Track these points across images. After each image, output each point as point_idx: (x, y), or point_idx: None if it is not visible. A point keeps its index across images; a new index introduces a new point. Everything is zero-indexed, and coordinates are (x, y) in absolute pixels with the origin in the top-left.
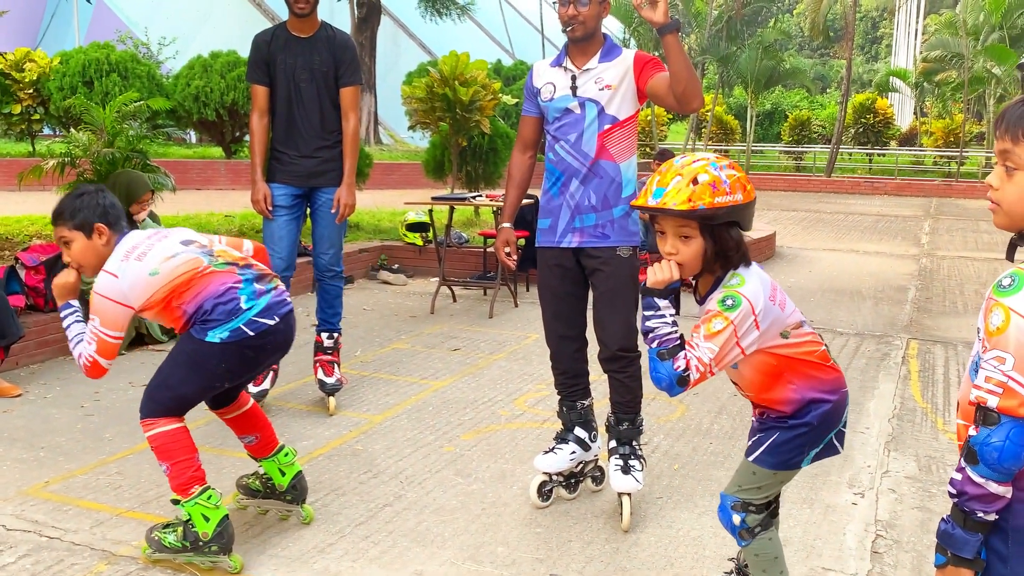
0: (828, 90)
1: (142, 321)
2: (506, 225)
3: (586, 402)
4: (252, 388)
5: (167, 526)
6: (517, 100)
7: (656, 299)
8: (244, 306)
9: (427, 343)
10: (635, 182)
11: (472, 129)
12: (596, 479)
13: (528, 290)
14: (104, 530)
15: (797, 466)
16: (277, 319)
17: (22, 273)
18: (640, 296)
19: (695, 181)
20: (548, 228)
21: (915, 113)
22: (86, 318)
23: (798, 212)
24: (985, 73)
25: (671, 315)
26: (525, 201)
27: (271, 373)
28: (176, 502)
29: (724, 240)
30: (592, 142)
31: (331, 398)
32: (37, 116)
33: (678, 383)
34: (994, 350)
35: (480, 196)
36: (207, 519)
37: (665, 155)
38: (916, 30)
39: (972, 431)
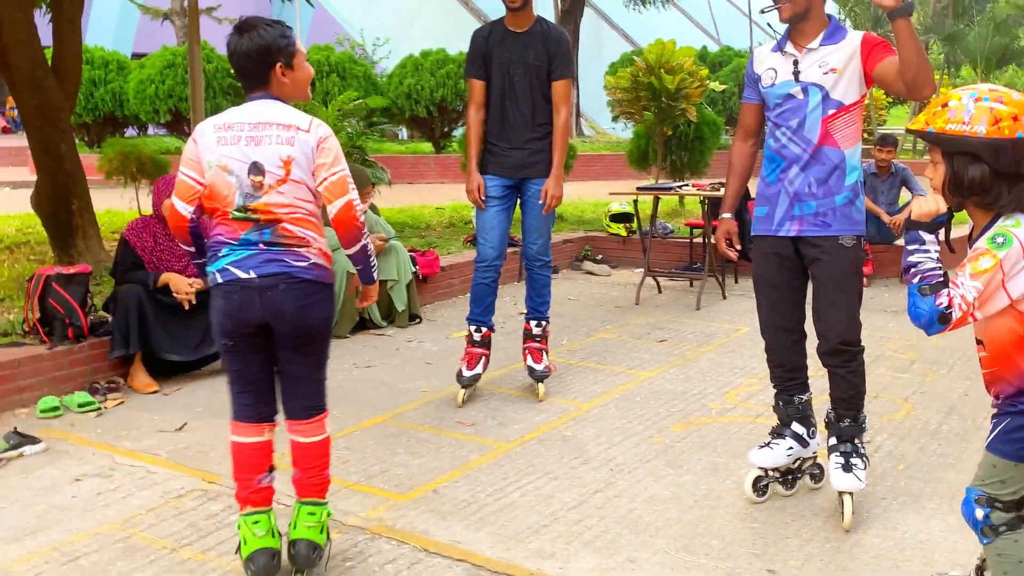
0: None
1: (368, 308)
2: (727, 215)
3: (804, 397)
4: (466, 372)
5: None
6: (725, 87)
7: (921, 232)
8: (222, 253)
9: (633, 333)
10: (860, 169)
11: (678, 118)
12: (815, 476)
13: (736, 282)
14: (334, 501)
15: None
16: (253, 273)
17: None
18: (905, 229)
19: (945, 104)
20: (765, 216)
21: None
22: None
23: None
24: None
25: (935, 251)
26: None
27: (483, 359)
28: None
29: (959, 171)
30: (816, 128)
31: (540, 384)
32: None
33: (939, 320)
34: None
35: (686, 186)
36: (246, 542)
37: (887, 140)
38: None
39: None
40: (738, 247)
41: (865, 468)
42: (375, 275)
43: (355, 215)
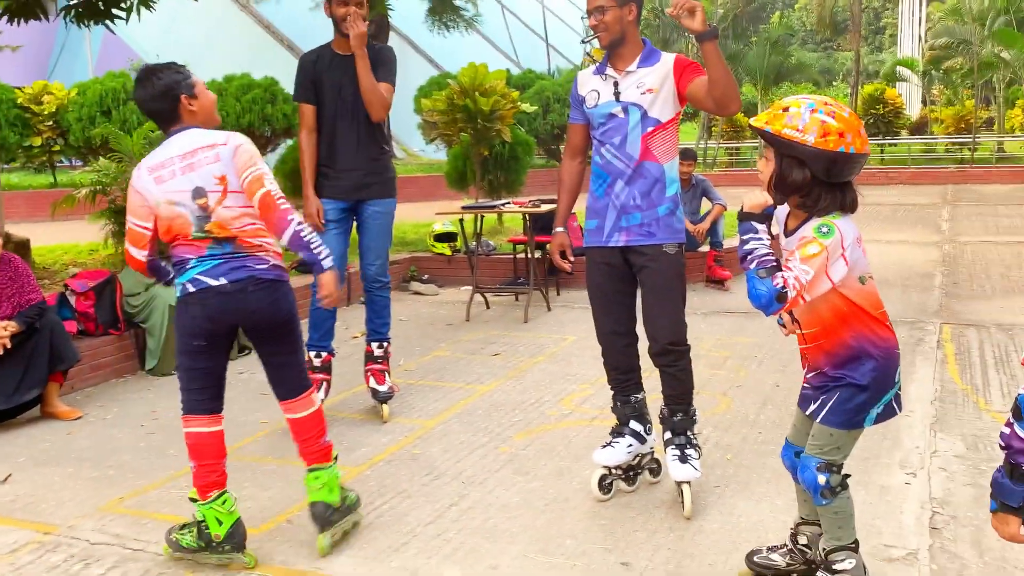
0: (835, 83)
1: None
2: (560, 229)
3: (639, 396)
4: None
5: (184, 527)
6: (535, 108)
7: (754, 223)
8: (190, 265)
9: (467, 349)
10: (677, 181)
11: (493, 138)
12: (653, 471)
13: (559, 294)
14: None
15: (861, 425)
16: (223, 280)
17: (72, 299)
18: (739, 221)
19: (784, 109)
20: (595, 228)
21: (923, 101)
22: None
23: None
24: (994, 58)
25: (767, 239)
26: (550, 207)
27: (324, 384)
28: (194, 500)
29: (785, 171)
30: (636, 144)
31: (384, 406)
32: (57, 148)
33: (777, 299)
34: None
35: (508, 203)
36: (220, 523)
37: (687, 154)
38: (920, 18)
39: (1021, 389)
40: (571, 259)
41: (699, 458)
42: (324, 262)
43: (275, 201)
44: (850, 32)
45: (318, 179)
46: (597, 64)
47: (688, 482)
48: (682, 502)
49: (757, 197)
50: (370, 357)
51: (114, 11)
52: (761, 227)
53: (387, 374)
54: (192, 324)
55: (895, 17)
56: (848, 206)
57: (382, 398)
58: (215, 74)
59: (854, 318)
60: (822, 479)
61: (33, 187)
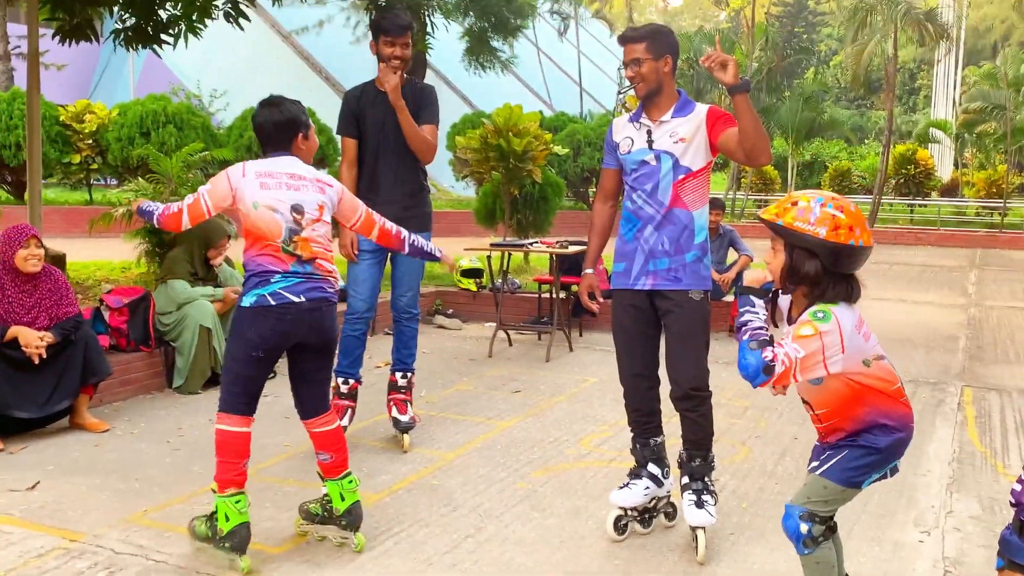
0: (866, 141)
1: (217, 361)
2: (589, 271)
3: (659, 439)
4: None
5: (202, 517)
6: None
7: (752, 296)
8: (273, 280)
9: (489, 385)
10: (706, 229)
11: (524, 178)
12: (669, 515)
13: (581, 335)
14: (208, 555)
15: (859, 486)
16: (303, 298)
17: (106, 315)
18: (738, 295)
19: (794, 203)
20: (623, 271)
21: (955, 164)
22: None
23: None
24: None
25: (764, 314)
26: (577, 248)
27: (349, 411)
28: (213, 491)
29: (796, 262)
30: (667, 191)
31: (405, 435)
32: (95, 166)
33: (764, 371)
34: None
35: (536, 243)
36: (228, 519)
37: (715, 203)
38: (955, 81)
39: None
40: (600, 300)
41: (716, 504)
42: (437, 253)
43: (389, 231)
44: (884, 91)
45: None
46: (632, 112)
47: (703, 528)
48: (696, 547)
49: (757, 273)
50: (393, 387)
51: (162, 36)
52: (759, 302)
53: (409, 404)
54: (262, 335)
55: (930, 79)
56: (853, 297)
57: (403, 428)
58: (253, 101)
59: (866, 397)
60: (804, 528)
61: (69, 203)
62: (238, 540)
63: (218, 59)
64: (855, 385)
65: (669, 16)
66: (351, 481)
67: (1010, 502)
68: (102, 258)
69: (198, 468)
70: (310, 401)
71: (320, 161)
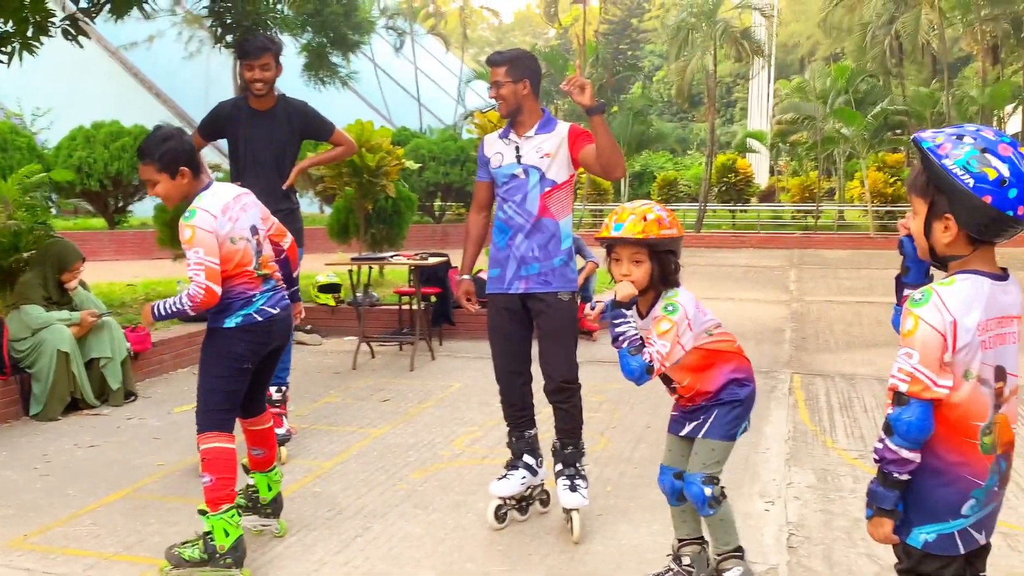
0: (690, 151)
1: (77, 386)
2: (465, 277)
3: (532, 431)
4: None
5: (185, 543)
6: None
7: (623, 309)
8: (255, 299)
9: (356, 396)
10: (571, 235)
11: (378, 193)
12: (543, 501)
13: (441, 344)
14: (98, 571)
15: (734, 438)
16: (279, 309)
17: None
18: (610, 308)
19: (644, 218)
20: (497, 277)
21: (771, 171)
22: None
23: None
24: (835, 133)
25: (634, 322)
26: (436, 260)
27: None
28: (203, 513)
29: (666, 264)
30: (535, 202)
31: (282, 448)
32: None
33: (647, 372)
34: (905, 347)
35: (397, 256)
36: (227, 534)
37: None
38: (768, 94)
39: (888, 409)
40: (476, 304)
41: (587, 488)
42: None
43: (292, 239)
44: (705, 105)
45: None
46: (502, 129)
47: (577, 509)
48: (571, 528)
49: (625, 289)
50: (269, 401)
51: None
52: (629, 312)
53: (285, 417)
54: (252, 348)
55: (746, 92)
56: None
57: (280, 440)
58: (82, 120)
59: (717, 359)
60: (708, 491)
61: None
62: (240, 553)
63: (39, 75)
64: (706, 351)
65: (501, 32)
66: (277, 473)
67: (874, 459)
68: None
69: (72, 491)
70: (259, 401)
71: None
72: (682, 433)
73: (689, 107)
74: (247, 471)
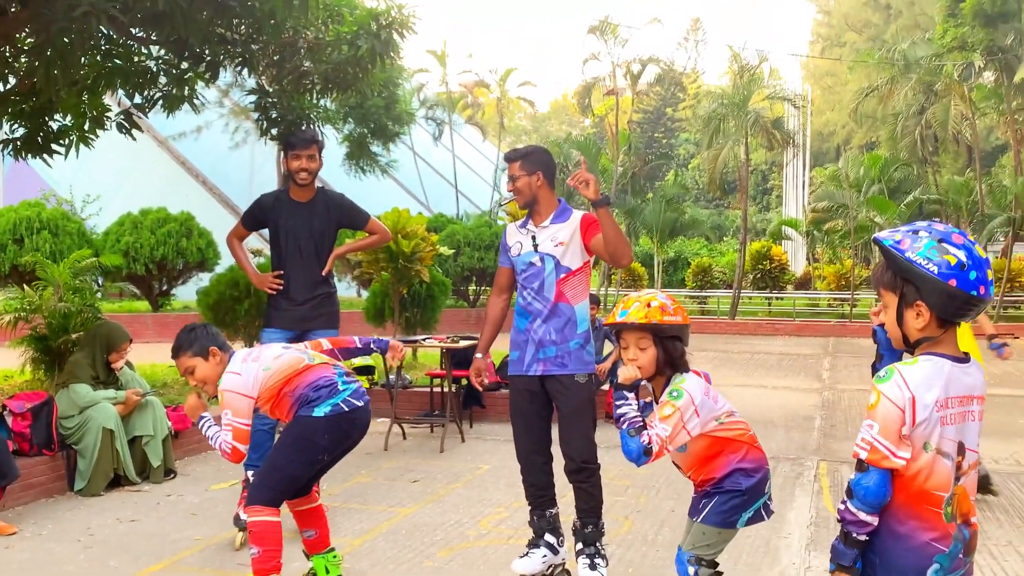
0: (725, 238)
1: (120, 462)
2: (479, 356)
3: (553, 511)
4: (243, 515)
5: None
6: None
7: (625, 391)
8: (340, 388)
9: (387, 476)
10: (588, 320)
11: (413, 278)
12: None
13: (471, 427)
14: None
15: (734, 526)
16: (362, 403)
17: (8, 419)
18: (613, 390)
19: (648, 305)
20: (517, 359)
21: (807, 259)
22: None
23: (707, 352)
24: (868, 222)
25: (635, 404)
26: (467, 343)
27: None
28: None
29: (670, 349)
30: (552, 288)
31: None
32: None
33: (644, 453)
34: (868, 419)
35: (429, 339)
36: None
37: (593, 299)
38: (803, 182)
39: (851, 475)
40: (487, 382)
41: (607, 567)
42: (374, 344)
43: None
44: (738, 192)
45: (268, 311)
46: (521, 220)
47: None
48: None
49: (629, 372)
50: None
51: (52, 146)
52: (630, 395)
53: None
54: (336, 440)
55: (780, 180)
56: (686, 362)
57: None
58: (130, 207)
59: (725, 448)
60: (691, 570)
61: None
62: None
63: (89, 164)
64: (713, 439)
65: (537, 121)
66: (335, 555)
67: (836, 519)
68: None
69: (114, 563)
70: (308, 484)
71: (200, 263)
72: (691, 516)
73: (723, 194)
74: (307, 556)
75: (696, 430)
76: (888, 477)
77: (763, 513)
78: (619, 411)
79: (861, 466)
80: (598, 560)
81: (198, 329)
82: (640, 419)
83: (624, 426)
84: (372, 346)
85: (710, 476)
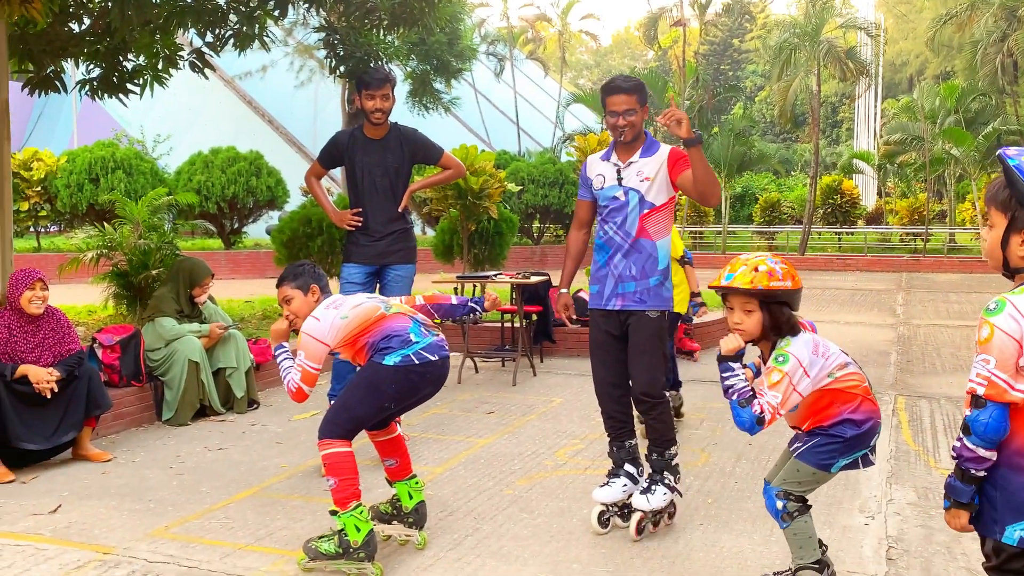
0: (793, 173)
1: (205, 393)
2: (564, 291)
3: (632, 441)
4: None
5: (322, 537)
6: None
7: (730, 363)
8: (413, 340)
9: (463, 408)
10: (668, 256)
11: (481, 215)
12: None
13: (542, 361)
14: (234, 560)
15: (828, 469)
16: (437, 357)
17: (99, 352)
18: (718, 362)
19: (756, 269)
20: (597, 293)
21: (879, 193)
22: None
23: None
24: (944, 154)
25: (743, 373)
26: (538, 279)
27: None
28: (334, 513)
29: (777, 315)
30: (634, 224)
31: None
32: (44, 212)
33: (757, 423)
34: (982, 353)
35: (499, 275)
36: (358, 529)
37: None
38: (875, 114)
39: (967, 411)
40: (574, 316)
41: (664, 495)
42: (472, 303)
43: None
44: (809, 125)
45: (347, 246)
46: (604, 150)
47: (640, 511)
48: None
49: (731, 342)
50: None
51: (128, 86)
52: (736, 365)
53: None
54: (403, 392)
55: (852, 112)
56: (797, 327)
57: None
58: (201, 146)
59: (836, 399)
60: (779, 504)
61: (17, 251)
62: (371, 548)
63: (159, 104)
64: (824, 393)
65: (600, 55)
66: (417, 481)
67: (952, 456)
68: (65, 303)
69: (205, 489)
70: (386, 420)
71: (270, 202)
72: (790, 448)
73: (792, 128)
74: (390, 483)
75: (808, 390)
76: (1007, 411)
77: (860, 463)
78: (725, 383)
79: (978, 402)
80: (656, 487)
81: (307, 265)
82: (749, 389)
83: (733, 397)
84: (471, 304)
85: (818, 423)
